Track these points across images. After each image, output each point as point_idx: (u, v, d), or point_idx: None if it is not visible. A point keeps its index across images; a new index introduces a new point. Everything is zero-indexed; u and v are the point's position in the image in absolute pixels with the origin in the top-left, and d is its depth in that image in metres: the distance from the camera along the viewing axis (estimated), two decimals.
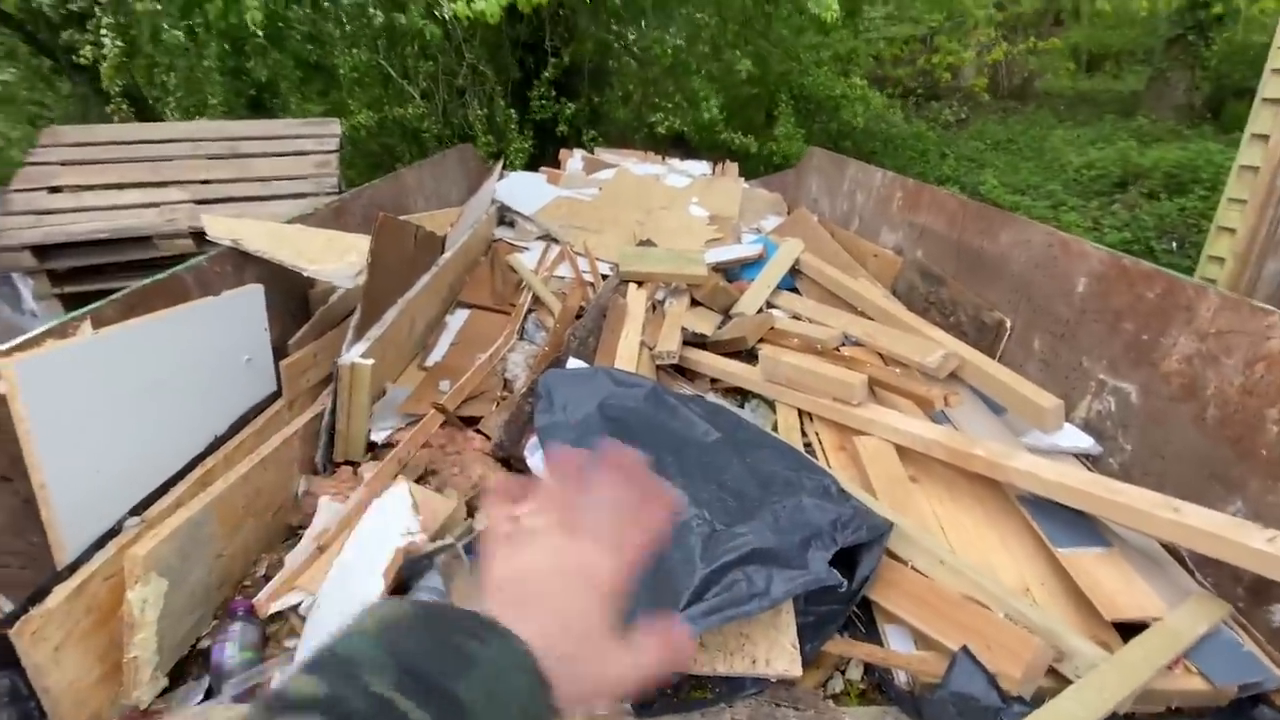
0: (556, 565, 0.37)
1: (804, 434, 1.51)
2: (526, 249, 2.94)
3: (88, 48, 4.69)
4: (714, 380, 1.93)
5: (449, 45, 4.80)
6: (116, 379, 0.95)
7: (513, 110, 4.96)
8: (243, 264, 1.35)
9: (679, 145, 5.55)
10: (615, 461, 0.42)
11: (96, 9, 4.50)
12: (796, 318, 2.22)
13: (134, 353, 0.98)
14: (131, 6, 4.39)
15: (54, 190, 2.61)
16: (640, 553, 0.40)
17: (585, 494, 0.40)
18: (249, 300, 1.27)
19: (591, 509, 0.40)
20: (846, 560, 0.99)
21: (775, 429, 1.54)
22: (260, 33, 4.16)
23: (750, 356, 2.08)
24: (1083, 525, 1.12)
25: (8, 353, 0.82)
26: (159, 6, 4.31)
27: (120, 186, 2.77)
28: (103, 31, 4.52)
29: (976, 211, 1.77)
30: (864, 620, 1.03)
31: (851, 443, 1.40)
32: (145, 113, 5.38)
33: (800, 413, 1.56)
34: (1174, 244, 5.40)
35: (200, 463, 1.11)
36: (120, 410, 0.96)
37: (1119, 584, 0.99)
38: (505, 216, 3.27)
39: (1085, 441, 1.30)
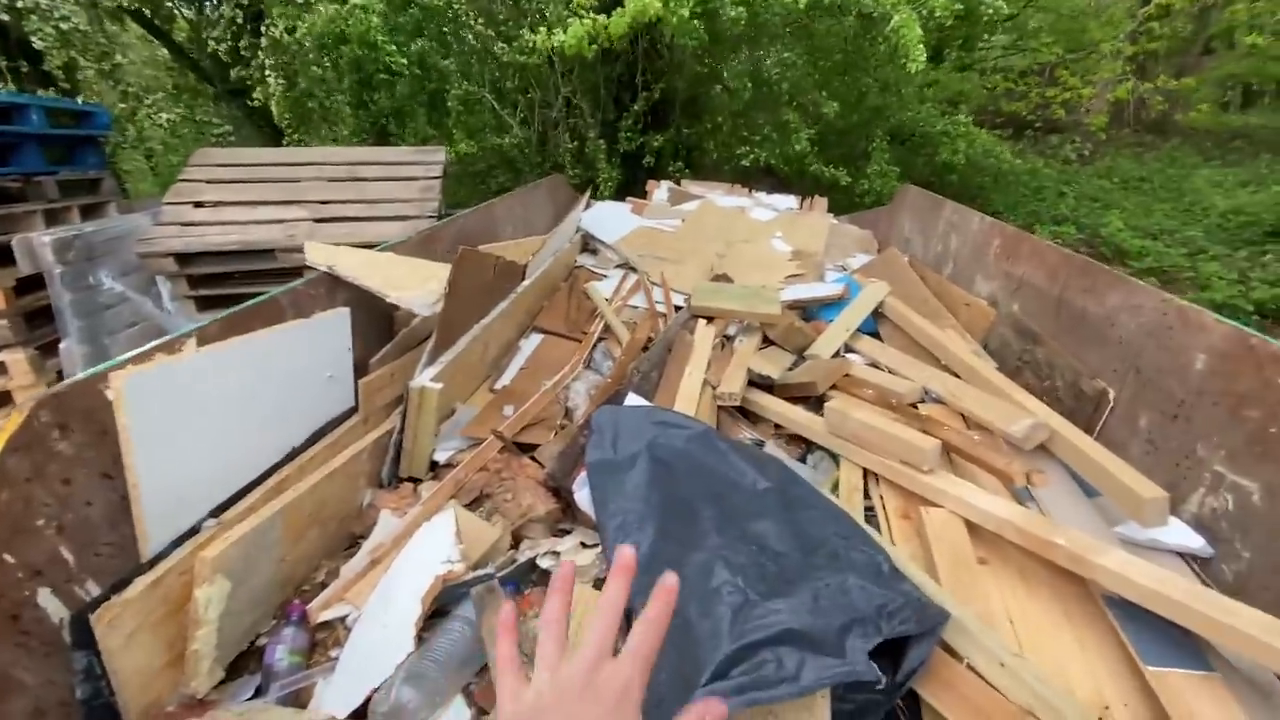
0: (564, 689, 0.38)
1: (867, 495, 1.42)
2: (605, 276, 3.00)
3: (257, 89, 5.37)
4: (778, 426, 1.87)
5: (549, 78, 5.05)
6: (210, 393, 1.05)
7: (602, 141, 5.12)
8: (335, 288, 1.46)
9: (768, 177, 5.50)
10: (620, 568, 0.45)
11: (259, 51, 5.13)
12: (875, 365, 2.12)
13: (228, 370, 1.08)
14: (287, 49, 4.97)
15: (198, 205, 2.96)
16: (650, 657, 0.41)
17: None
18: (336, 322, 1.37)
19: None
20: (894, 645, 0.92)
21: (836, 487, 1.46)
22: (402, 68, 4.55)
23: (821, 404, 2.00)
24: (1181, 640, 0.97)
25: (121, 365, 0.93)
26: (306, 45, 4.84)
27: (253, 204, 3.10)
28: (267, 72, 5.15)
29: (1081, 267, 1.62)
30: (910, 715, 0.95)
31: (918, 512, 1.30)
32: (300, 142, 6.05)
33: (865, 472, 1.47)
34: None
35: (276, 471, 1.20)
36: (210, 421, 1.06)
37: (1219, 717, 0.85)
38: (589, 244, 3.36)
39: (1195, 541, 1.14)
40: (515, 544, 1.33)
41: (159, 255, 2.66)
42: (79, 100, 4.76)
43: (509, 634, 0.45)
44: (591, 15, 3.88)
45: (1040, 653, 1.02)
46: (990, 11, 4.58)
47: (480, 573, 1.12)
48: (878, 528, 1.34)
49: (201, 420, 1.04)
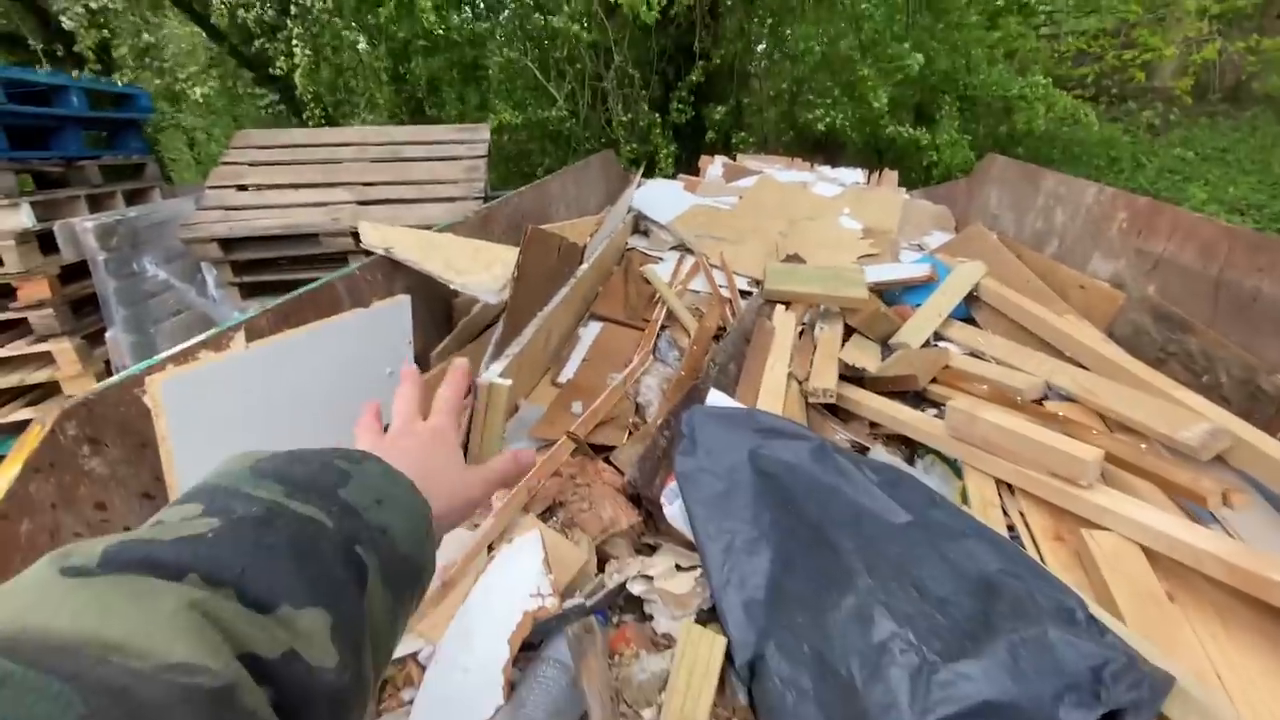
0: (411, 431, 0.49)
1: (1004, 512, 1.22)
2: (660, 259, 2.81)
3: (282, 59, 5.23)
4: (873, 425, 1.67)
5: (597, 49, 4.82)
6: (260, 395, 0.91)
7: (656, 114, 4.89)
8: (393, 272, 1.31)
9: (825, 150, 5.18)
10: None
11: (288, 21, 4.99)
12: (976, 356, 1.89)
13: (279, 368, 0.94)
14: (318, 16, 4.82)
15: (241, 188, 2.86)
16: (456, 407, 0.54)
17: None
18: (397, 312, 1.22)
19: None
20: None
21: (964, 500, 1.26)
22: (437, 29, 4.37)
23: (917, 399, 1.79)
24: None
25: (159, 366, 0.79)
26: (338, 18, 4.70)
27: (295, 186, 2.99)
28: (294, 42, 5.01)
29: (1253, 242, 1.37)
30: None
31: (1075, 535, 1.10)
32: (331, 119, 5.93)
33: (998, 483, 1.27)
34: None
35: None
36: (261, 426, 0.91)
37: None
38: (640, 225, 3.17)
39: None
40: (600, 564, 1.17)
41: (203, 240, 2.57)
42: (118, 82, 4.71)
43: (374, 418, 0.54)
44: None
45: (1259, 714, 0.82)
46: None
47: (571, 604, 0.96)
48: (1021, 546, 1.14)
49: (252, 426, 0.90)
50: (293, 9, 4.89)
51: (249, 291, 2.77)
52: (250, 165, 3.02)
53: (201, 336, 0.89)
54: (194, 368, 0.80)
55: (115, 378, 0.77)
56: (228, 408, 0.87)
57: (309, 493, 0.32)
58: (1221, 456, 1.19)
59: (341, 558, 0.30)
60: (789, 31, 5.06)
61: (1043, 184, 2.36)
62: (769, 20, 5.05)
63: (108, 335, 2.73)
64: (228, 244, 2.63)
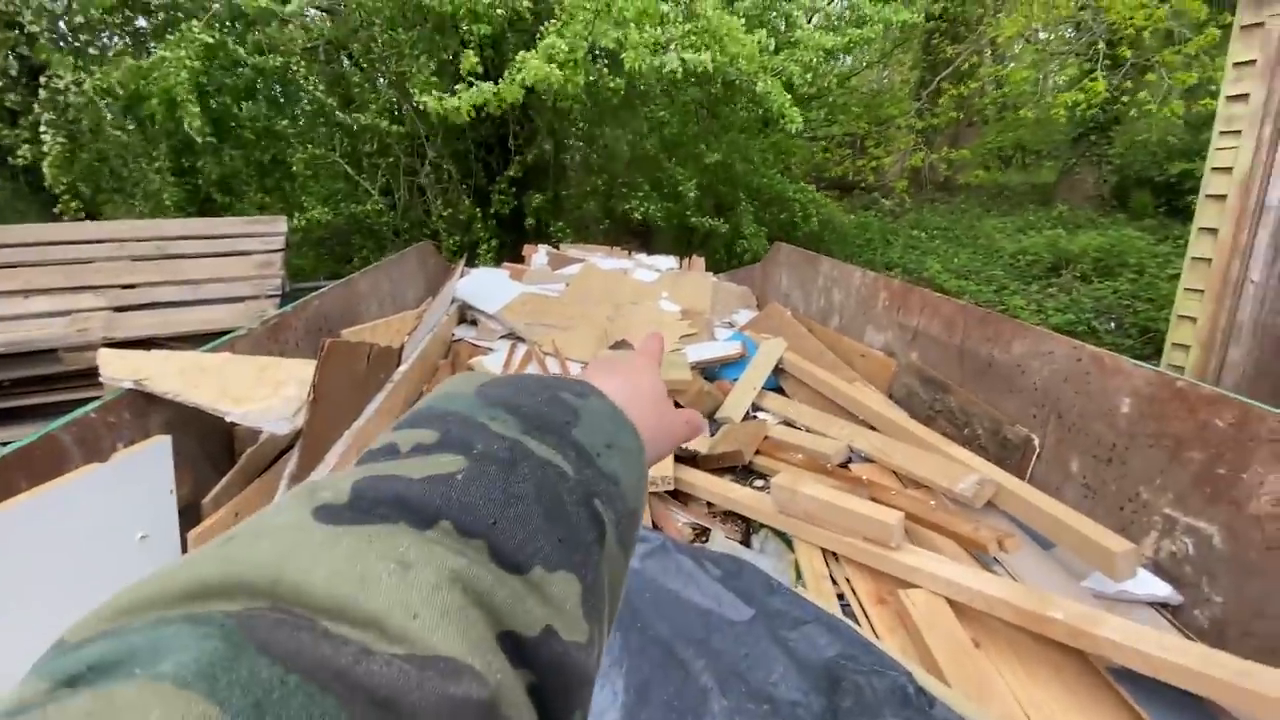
0: (617, 357, 0.45)
1: (833, 579, 1.29)
2: (491, 350, 2.73)
3: (25, 146, 4.43)
4: (710, 505, 1.71)
5: (410, 143, 4.76)
6: None
7: (478, 208, 4.90)
8: (146, 408, 1.08)
9: (639, 236, 5.58)
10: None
11: (35, 105, 4.27)
12: (788, 424, 2.06)
13: None
14: (72, 104, 4.18)
15: None
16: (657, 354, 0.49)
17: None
18: (152, 458, 1.00)
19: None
20: None
21: (798, 572, 1.32)
22: (206, 134, 4.02)
23: (745, 471, 1.88)
24: (1193, 706, 0.93)
25: None
26: (102, 103, 4.12)
27: (26, 293, 2.45)
28: (42, 129, 4.27)
29: (980, 317, 1.67)
30: None
31: (894, 595, 1.19)
32: (95, 213, 5.06)
33: (824, 552, 1.35)
34: (1113, 324, 5.66)
35: None
36: None
37: None
38: (466, 315, 3.07)
39: (1163, 589, 1.13)
40: None
41: None
42: None
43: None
44: (479, 82, 3.73)
45: None
46: (820, 85, 5.09)
47: None
48: (853, 617, 1.21)
49: None
50: (41, 92, 4.20)
51: None
52: None
53: None
54: None
55: None
56: None
57: (544, 431, 0.29)
58: (992, 502, 1.39)
59: (585, 513, 0.27)
60: (598, 132, 5.47)
61: (820, 268, 2.72)
62: (579, 123, 5.42)
63: None
64: None
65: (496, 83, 3.71)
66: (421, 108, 3.84)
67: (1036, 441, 1.45)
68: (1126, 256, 6.26)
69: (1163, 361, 3.00)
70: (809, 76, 4.44)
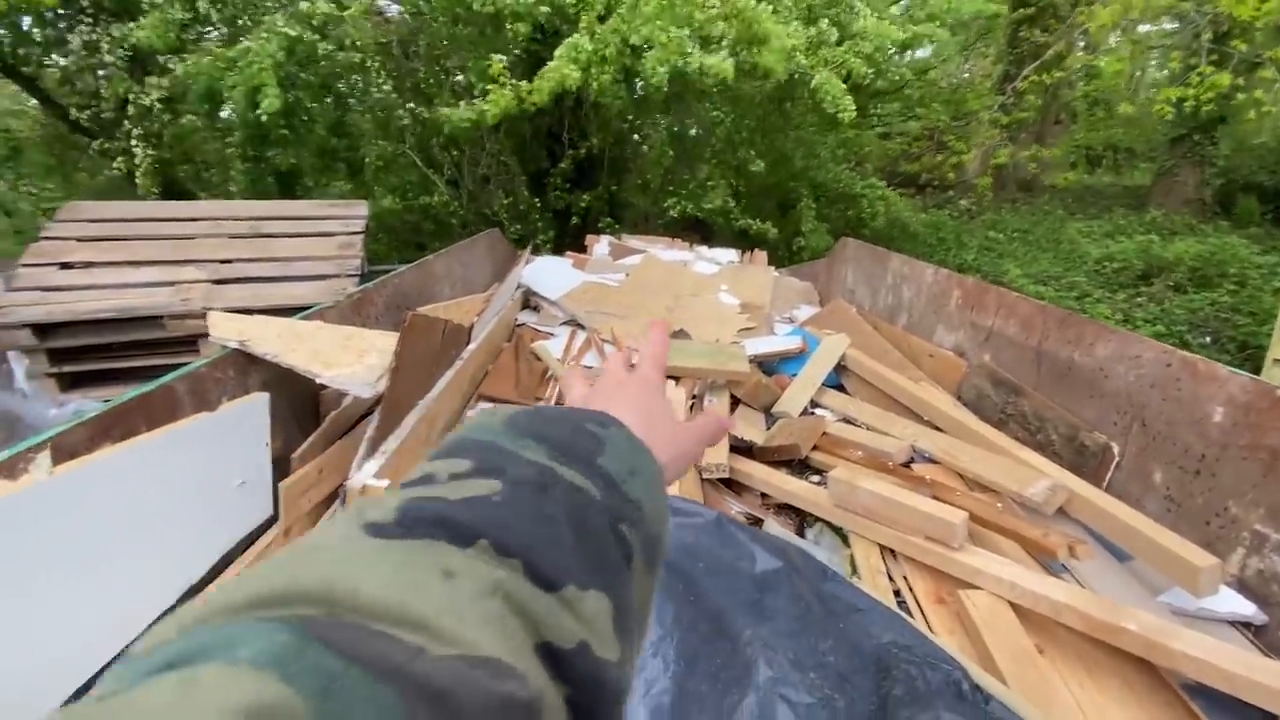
0: (625, 379, 0.46)
1: (889, 576, 1.27)
2: (552, 335, 2.80)
3: (120, 159, 4.86)
4: (764, 496, 1.71)
5: (476, 136, 4.91)
6: (74, 528, 0.75)
7: (536, 199, 5.02)
8: (247, 367, 1.18)
9: (697, 229, 5.58)
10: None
11: (125, 121, 4.67)
12: (849, 421, 2.02)
13: (95, 496, 0.79)
14: (158, 115, 4.55)
15: (65, 266, 2.51)
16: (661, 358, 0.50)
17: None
18: (251, 412, 1.09)
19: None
20: None
21: (853, 567, 1.31)
22: (279, 125, 4.27)
23: (801, 466, 1.87)
24: None
25: None
26: (187, 110, 4.47)
27: (135, 264, 2.68)
28: (133, 143, 4.67)
29: (1061, 318, 1.60)
30: None
31: (954, 596, 1.16)
32: (175, 193, 5.49)
33: (881, 549, 1.33)
34: (1208, 338, 5.26)
35: None
36: (74, 569, 0.75)
37: None
38: (529, 301, 3.15)
39: (1247, 608, 1.06)
40: None
41: (11, 327, 2.20)
42: None
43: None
44: (513, 82, 3.82)
45: None
46: (893, 78, 4.93)
47: None
48: (909, 615, 1.19)
49: (60, 571, 0.74)
50: (130, 110, 4.60)
51: (71, 383, 2.39)
52: (79, 240, 2.68)
53: None
54: None
55: None
56: (26, 548, 0.71)
57: (571, 458, 0.30)
58: (1064, 510, 1.33)
59: (612, 536, 0.28)
60: (647, 129, 5.50)
61: (889, 264, 2.65)
62: (627, 118, 5.46)
63: None
64: (43, 330, 2.27)
65: (530, 80, 3.79)
66: (444, 121, 3.97)
67: (1116, 449, 1.38)
68: (1227, 266, 5.79)
69: (1263, 376, 2.77)
70: (871, 70, 4.30)
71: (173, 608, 0.92)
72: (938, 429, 1.78)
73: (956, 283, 2.13)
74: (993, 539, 1.30)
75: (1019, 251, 7.31)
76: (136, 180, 4.71)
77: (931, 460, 1.67)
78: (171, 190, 5.19)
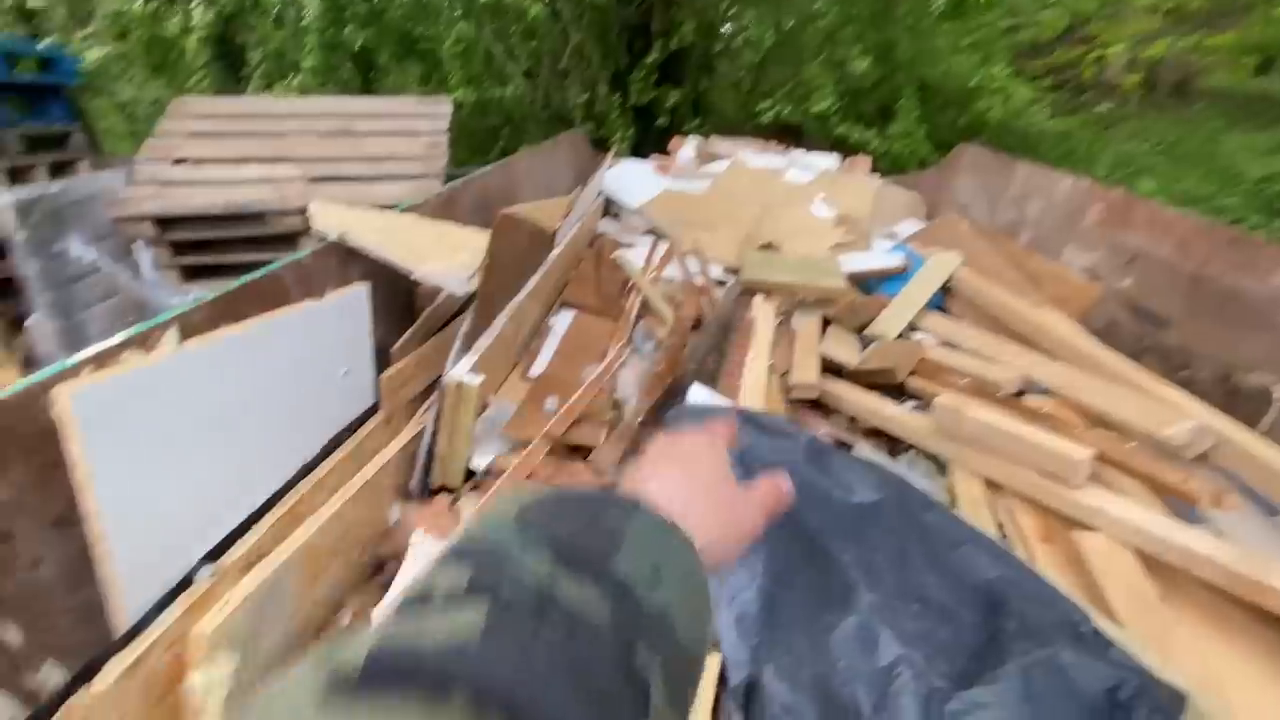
0: (679, 438, 0.42)
1: (991, 510, 1.20)
2: (632, 245, 2.72)
3: (174, 20, 4.84)
4: (852, 419, 1.64)
5: (555, 25, 4.63)
6: (196, 403, 0.80)
7: (617, 95, 4.74)
8: (347, 259, 1.19)
9: (791, 134, 5.15)
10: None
11: None
12: (951, 347, 1.88)
13: (222, 369, 0.83)
14: None
15: (178, 162, 2.63)
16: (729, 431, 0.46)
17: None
18: (353, 303, 1.11)
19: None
20: None
21: (951, 498, 1.24)
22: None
23: (895, 391, 1.77)
24: None
25: (71, 371, 0.67)
26: None
27: (237, 161, 2.77)
28: (193, 4, 4.63)
29: (1230, 239, 1.37)
30: None
31: (1063, 536, 1.08)
32: (235, 79, 5.51)
33: (984, 481, 1.25)
34: None
35: (285, 495, 0.96)
36: (197, 440, 0.80)
37: None
38: (609, 208, 3.06)
39: None
40: None
41: (135, 219, 2.36)
42: (43, 43, 4.29)
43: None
44: None
45: None
46: None
47: None
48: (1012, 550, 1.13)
49: (187, 438, 0.79)
50: None
51: (190, 274, 2.57)
52: (188, 136, 2.79)
53: (126, 333, 0.77)
54: (115, 374, 0.69)
55: (15, 385, 0.66)
56: (158, 416, 0.76)
57: (580, 566, 0.27)
58: (1206, 456, 1.19)
59: (622, 672, 0.25)
60: (744, 21, 4.98)
61: (1015, 174, 2.36)
62: (720, 6, 4.94)
63: (29, 322, 2.50)
64: (163, 223, 2.42)
65: None
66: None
67: (1277, 393, 1.20)
68: None
69: None
70: None
71: (292, 482, 0.99)
72: (1055, 359, 1.62)
73: (1098, 196, 1.86)
74: (1115, 480, 1.18)
75: (1160, 166, 6.39)
76: (186, 46, 4.72)
77: (1047, 393, 1.53)
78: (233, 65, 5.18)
